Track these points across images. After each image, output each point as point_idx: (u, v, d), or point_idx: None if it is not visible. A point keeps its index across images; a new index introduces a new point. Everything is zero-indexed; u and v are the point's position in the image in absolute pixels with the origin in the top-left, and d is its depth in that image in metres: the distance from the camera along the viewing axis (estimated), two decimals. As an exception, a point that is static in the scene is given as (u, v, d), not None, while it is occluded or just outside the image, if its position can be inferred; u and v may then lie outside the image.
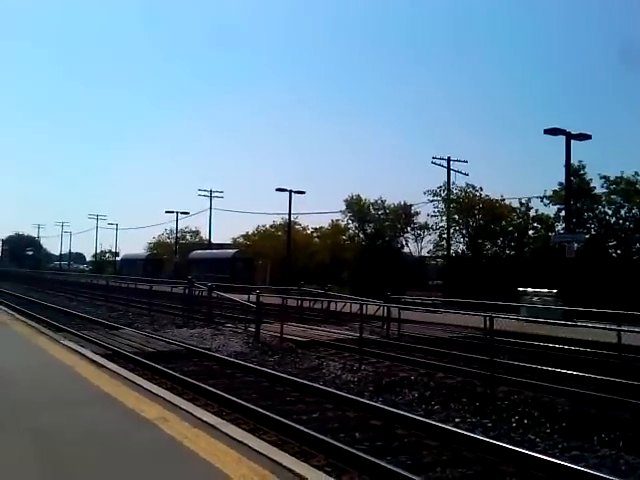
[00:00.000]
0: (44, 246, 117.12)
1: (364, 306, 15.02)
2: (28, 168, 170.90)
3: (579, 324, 14.08)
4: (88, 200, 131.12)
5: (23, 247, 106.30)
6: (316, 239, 54.42)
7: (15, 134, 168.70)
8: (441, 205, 40.19)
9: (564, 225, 29.44)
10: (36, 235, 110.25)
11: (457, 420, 8.34)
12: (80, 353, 10.44)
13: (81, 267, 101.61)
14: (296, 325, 18.26)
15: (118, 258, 79.04)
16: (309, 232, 55.93)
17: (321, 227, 54.17)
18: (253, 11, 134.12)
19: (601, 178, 32.70)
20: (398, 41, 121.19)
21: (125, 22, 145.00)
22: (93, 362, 9.42)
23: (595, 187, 33.00)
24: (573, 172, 30.45)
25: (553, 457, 6.47)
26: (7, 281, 55.49)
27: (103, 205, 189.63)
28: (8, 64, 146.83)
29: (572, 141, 26.02)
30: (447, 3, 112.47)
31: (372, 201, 46.33)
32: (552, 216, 34.97)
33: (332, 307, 21.96)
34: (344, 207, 47.28)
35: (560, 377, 11.09)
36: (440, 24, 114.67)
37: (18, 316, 18.52)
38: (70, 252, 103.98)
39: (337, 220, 49.90)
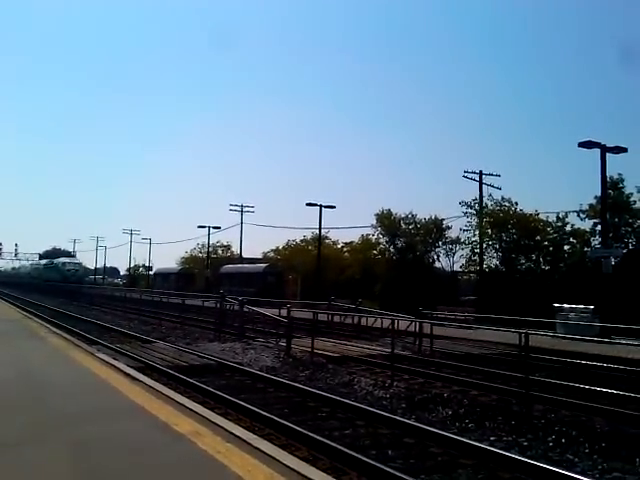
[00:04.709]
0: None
1: (395, 322, 14.88)
2: (65, 184, 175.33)
3: (617, 341, 13.73)
4: (122, 215, 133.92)
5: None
6: (346, 253, 54.42)
7: (51, 151, 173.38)
8: (473, 219, 39.84)
9: (600, 240, 28.84)
10: (72, 249, 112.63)
11: (492, 439, 8.16)
12: (114, 366, 10.57)
13: (115, 281, 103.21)
14: (327, 340, 18.17)
15: (151, 272, 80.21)
16: (339, 246, 56.03)
17: (351, 241, 54.29)
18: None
19: (639, 191, 32.04)
20: (426, 53, 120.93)
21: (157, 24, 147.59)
22: (127, 375, 9.52)
23: (635, 201, 32.32)
24: (612, 185, 29.87)
25: (594, 479, 6.27)
26: (44, 294, 56.75)
27: (137, 220, 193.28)
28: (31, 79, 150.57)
29: (608, 154, 25.46)
30: (479, 12, 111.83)
31: (403, 215, 46.20)
32: (588, 230, 34.34)
33: (363, 322, 21.84)
34: (374, 221, 47.26)
35: (598, 395, 10.79)
36: (470, 32, 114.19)
37: (54, 329, 18.86)
38: (105, 266, 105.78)
39: (367, 234, 49.89)
